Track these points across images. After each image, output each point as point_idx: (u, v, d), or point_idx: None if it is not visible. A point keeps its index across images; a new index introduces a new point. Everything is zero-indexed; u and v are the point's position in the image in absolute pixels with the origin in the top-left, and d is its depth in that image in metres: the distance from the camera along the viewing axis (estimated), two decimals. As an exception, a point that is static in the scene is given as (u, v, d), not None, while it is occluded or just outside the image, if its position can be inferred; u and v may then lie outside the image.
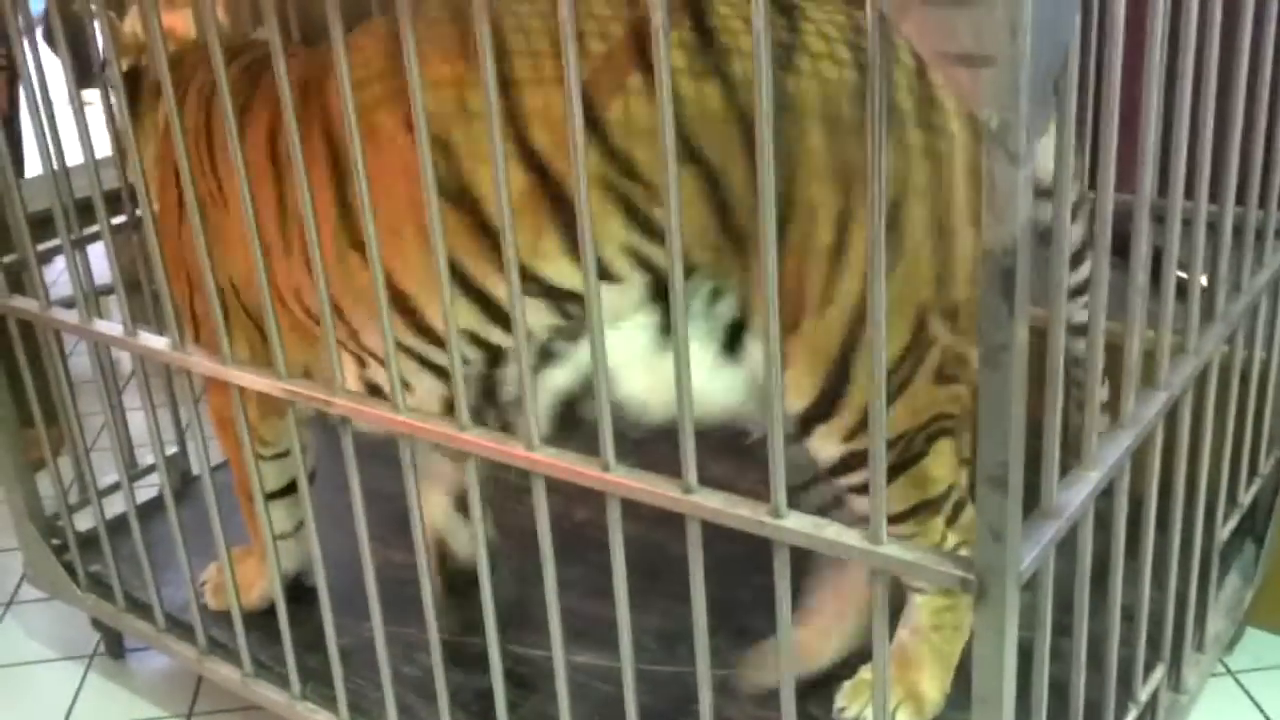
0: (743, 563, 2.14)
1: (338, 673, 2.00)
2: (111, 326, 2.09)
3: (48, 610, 2.76)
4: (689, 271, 1.57)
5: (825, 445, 1.71)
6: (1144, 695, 1.87)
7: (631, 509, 1.50)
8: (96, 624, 2.61)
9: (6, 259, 2.30)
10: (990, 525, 1.24)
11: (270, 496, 2.11)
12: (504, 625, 1.79)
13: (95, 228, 2.21)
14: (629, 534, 1.55)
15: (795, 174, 1.56)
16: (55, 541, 2.54)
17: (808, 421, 1.70)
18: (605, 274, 1.62)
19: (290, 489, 2.23)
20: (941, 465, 1.73)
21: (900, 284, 1.58)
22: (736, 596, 2.17)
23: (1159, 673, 1.91)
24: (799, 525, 1.38)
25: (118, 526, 2.41)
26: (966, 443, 1.76)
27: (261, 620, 2.15)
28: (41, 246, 2.29)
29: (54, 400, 2.37)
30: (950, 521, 1.76)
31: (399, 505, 1.76)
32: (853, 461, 1.71)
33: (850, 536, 1.35)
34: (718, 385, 1.72)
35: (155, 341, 2.00)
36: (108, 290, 2.52)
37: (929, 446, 1.71)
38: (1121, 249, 1.48)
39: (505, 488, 2.16)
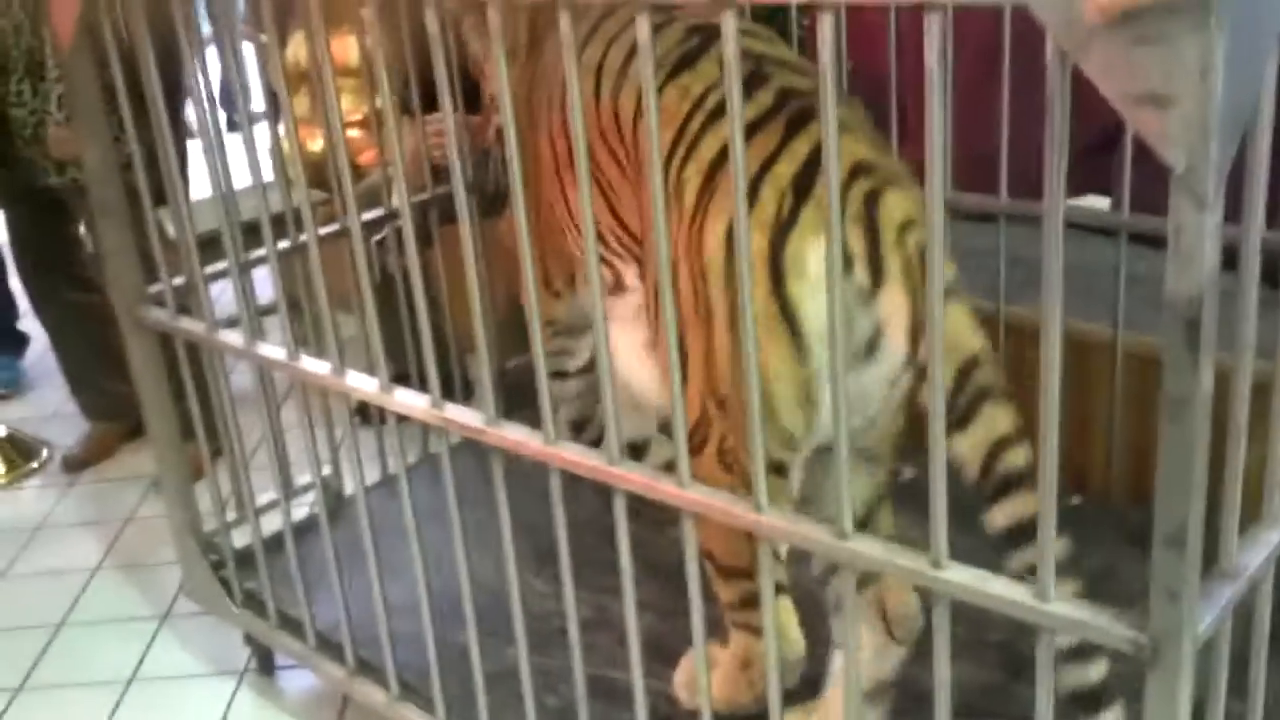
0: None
1: (481, 700, 2.00)
2: (274, 350, 2.13)
3: (202, 625, 2.83)
4: None
5: None
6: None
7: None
8: (249, 640, 2.67)
9: (176, 281, 2.36)
10: (1167, 586, 1.18)
11: None
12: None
13: (261, 251, 2.26)
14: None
15: None
16: (212, 557, 2.59)
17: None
18: None
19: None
20: None
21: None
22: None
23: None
24: (961, 578, 1.34)
25: (273, 544, 2.45)
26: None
27: (410, 643, 2.17)
28: (209, 269, 2.35)
29: (215, 417, 2.43)
30: None
31: (547, 535, 1.76)
32: None
33: (1017, 593, 1.30)
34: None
35: (316, 366, 2.03)
36: (269, 310, 2.59)
37: None
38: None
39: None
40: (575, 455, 1.69)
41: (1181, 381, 1.12)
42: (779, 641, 1.81)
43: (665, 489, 1.58)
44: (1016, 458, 1.61)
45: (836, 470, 1.39)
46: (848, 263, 1.62)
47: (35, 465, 3.83)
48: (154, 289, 2.40)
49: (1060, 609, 1.27)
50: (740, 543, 1.78)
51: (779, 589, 1.89)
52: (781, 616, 1.95)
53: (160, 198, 2.41)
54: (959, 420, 1.60)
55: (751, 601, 1.81)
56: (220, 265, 2.34)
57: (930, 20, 1.18)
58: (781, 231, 1.65)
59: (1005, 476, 1.60)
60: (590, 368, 2.55)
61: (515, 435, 1.75)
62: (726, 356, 1.72)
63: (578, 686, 1.83)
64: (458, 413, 1.83)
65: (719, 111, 1.74)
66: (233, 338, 2.23)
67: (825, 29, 1.26)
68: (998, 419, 1.60)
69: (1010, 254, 2.48)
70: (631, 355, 2.03)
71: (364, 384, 1.95)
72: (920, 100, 1.23)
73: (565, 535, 1.74)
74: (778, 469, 1.72)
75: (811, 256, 1.64)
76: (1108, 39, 1.06)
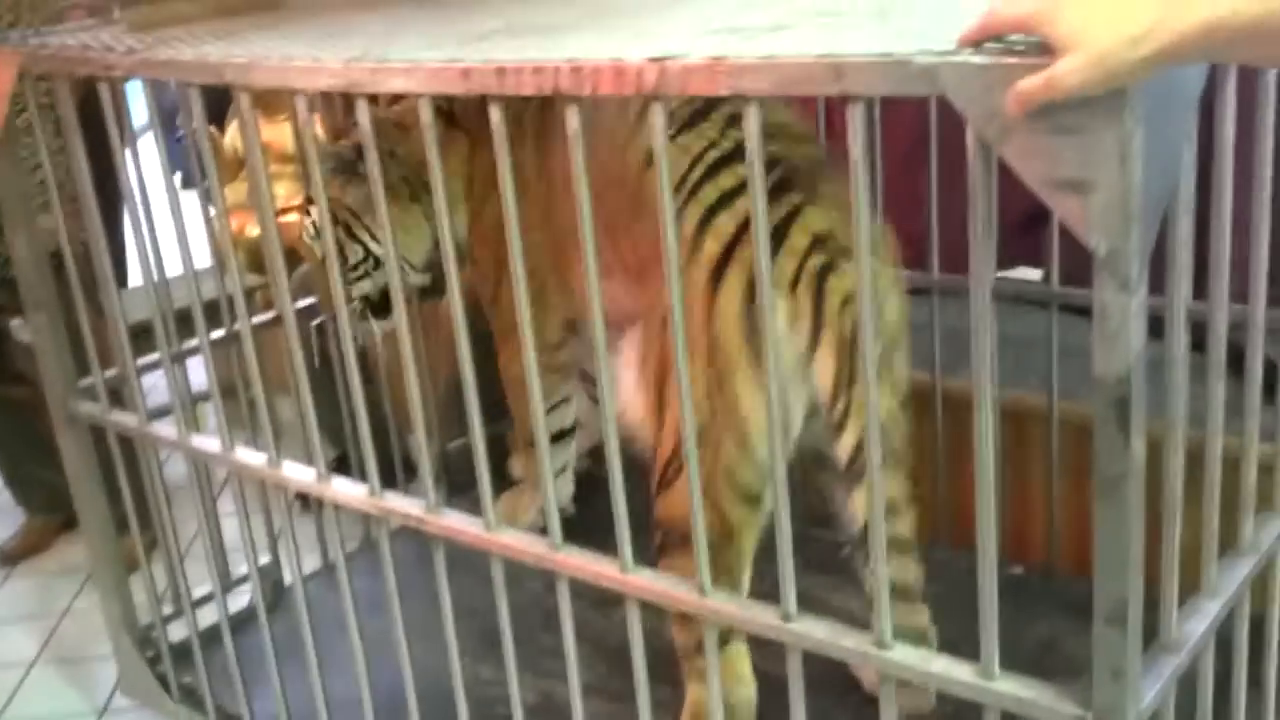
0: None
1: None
2: (209, 441, 2.10)
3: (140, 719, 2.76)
4: None
5: None
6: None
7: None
8: (188, 736, 2.61)
9: (107, 374, 2.33)
10: (1110, 665, 1.19)
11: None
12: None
13: (194, 341, 2.24)
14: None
15: None
16: (149, 652, 2.54)
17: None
18: None
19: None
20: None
21: None
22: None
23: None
24: (905, 658, 1.34)
25: (211, 637, 2.40)
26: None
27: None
28: (142, 360, 2.32)
29: (149, 508, 2.39)
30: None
31: (491, 619, 1.74)
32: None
33: (961, 671, 1.31)
34: None
35: (251, 456, 2.01)
36: (205, 398, 2.55)
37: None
38: (1234, 362, 1.44)
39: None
40: (516, 541, 1.69)
41: (1113, 461, 1.14)
42: (734, 686, 1.93)
43: (609, 574, 1.58)
44: (899, 525, 1.83)
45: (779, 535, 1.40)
46: (793, 323, 1.81)
47: (-33, 560, 3.74)
48: (85, 382, 2.37)
49: (1004, 686, 1.27)
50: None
51: (732, 635, 1.91)
52: (737, 664, 1.97)
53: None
54: (856, 477, 1.80)
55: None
56: (154, 356, 2.31)
57: (853, 111, 1.20)
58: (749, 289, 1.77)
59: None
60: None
61: (455, 523, 1.74)
62: (703, 391, 1.82)
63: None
64: (397, 501, 1.83)
65: (715, 168, 1.87)
66: (166, 429, 2.20)
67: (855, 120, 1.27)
68: (888, 484, 1.64)
69: (946, 328, 2.50)
70: (632, 391, 2.06)
71: (301, 474, 1.93)
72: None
73: (508, 622, 1.73)
74: (753, 500, 1.86)
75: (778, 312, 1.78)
76: (1027, 129, 1.08)
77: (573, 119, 1.40)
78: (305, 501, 2.94)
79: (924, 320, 2.51)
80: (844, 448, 1.83)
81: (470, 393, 1.64)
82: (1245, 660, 1.56)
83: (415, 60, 1.51)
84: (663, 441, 1.92)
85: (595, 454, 2.73)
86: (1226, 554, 1.48)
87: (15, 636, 3.29)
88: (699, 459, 1.59)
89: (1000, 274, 2.47)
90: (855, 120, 1.20)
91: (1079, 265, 1.28)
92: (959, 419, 2.40)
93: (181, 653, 2.48)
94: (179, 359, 2.31)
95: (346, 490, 1.87)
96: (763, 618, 1.45)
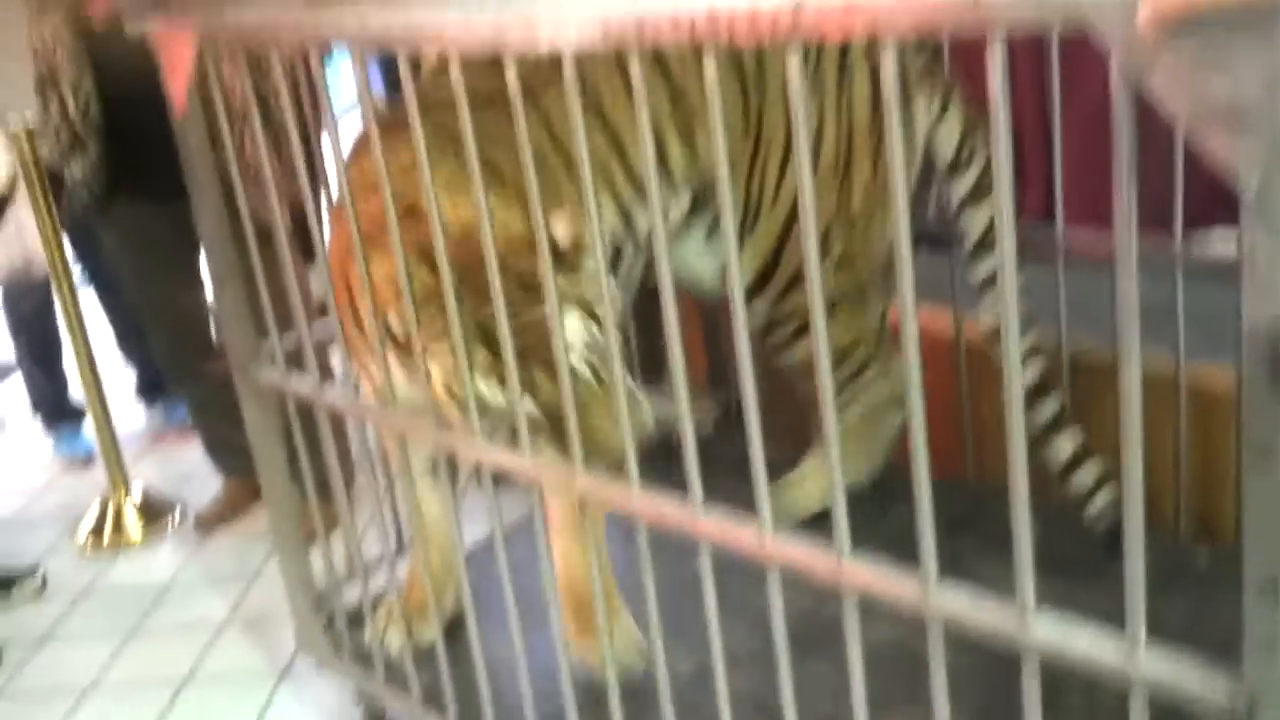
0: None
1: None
2: (385, 413, 2.14)
3: (320, 680, 2.86)
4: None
5: (757, 311, 2.54)
6: None
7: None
8: (360, 697, 2.68)
9: (286, 341, 2.40)
10: (1262, 636, 1.10)
11: None
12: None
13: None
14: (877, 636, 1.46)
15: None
16: (325, 614, 2.62)
17: (748, 293, 2.42)
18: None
19: None
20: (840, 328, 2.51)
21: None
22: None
23: None
24: (1049, 634, 1.27)
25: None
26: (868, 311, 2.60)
27: (511, 699, 2.15)
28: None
29: (330, 476, 2.45)
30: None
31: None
32: (776, 321, 2.59)
33: (1104, 647, 1.23)
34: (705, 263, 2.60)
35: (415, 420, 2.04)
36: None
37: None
38: None
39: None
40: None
41: (1264, 423, 1.05)
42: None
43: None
44: None
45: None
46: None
47: (169, 524, 3.94)
48: (269, 346, 2.44)
49: (1150, 663, 1.19)
50: None
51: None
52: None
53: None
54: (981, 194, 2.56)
55: None
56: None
57: (992, 48, 1.14)
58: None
59: None
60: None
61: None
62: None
63: None
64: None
65: None
66: (341, 397, 2.26)
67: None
68: None
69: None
70: None
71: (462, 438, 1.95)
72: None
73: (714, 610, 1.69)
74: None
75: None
76: (1171, 58, 1.01)
77: (710, 68, 1.37)
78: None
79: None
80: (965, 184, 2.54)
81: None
82: None
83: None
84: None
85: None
86: None
87: (209, 597, 3.46)
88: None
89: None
90: (994, 58, 1.14)
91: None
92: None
93: (355, 616, 2.56)
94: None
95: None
96: (900, 586, 1.39)
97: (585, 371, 1.89)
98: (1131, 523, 1.18)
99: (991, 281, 2.51)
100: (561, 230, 1.85)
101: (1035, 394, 2.47)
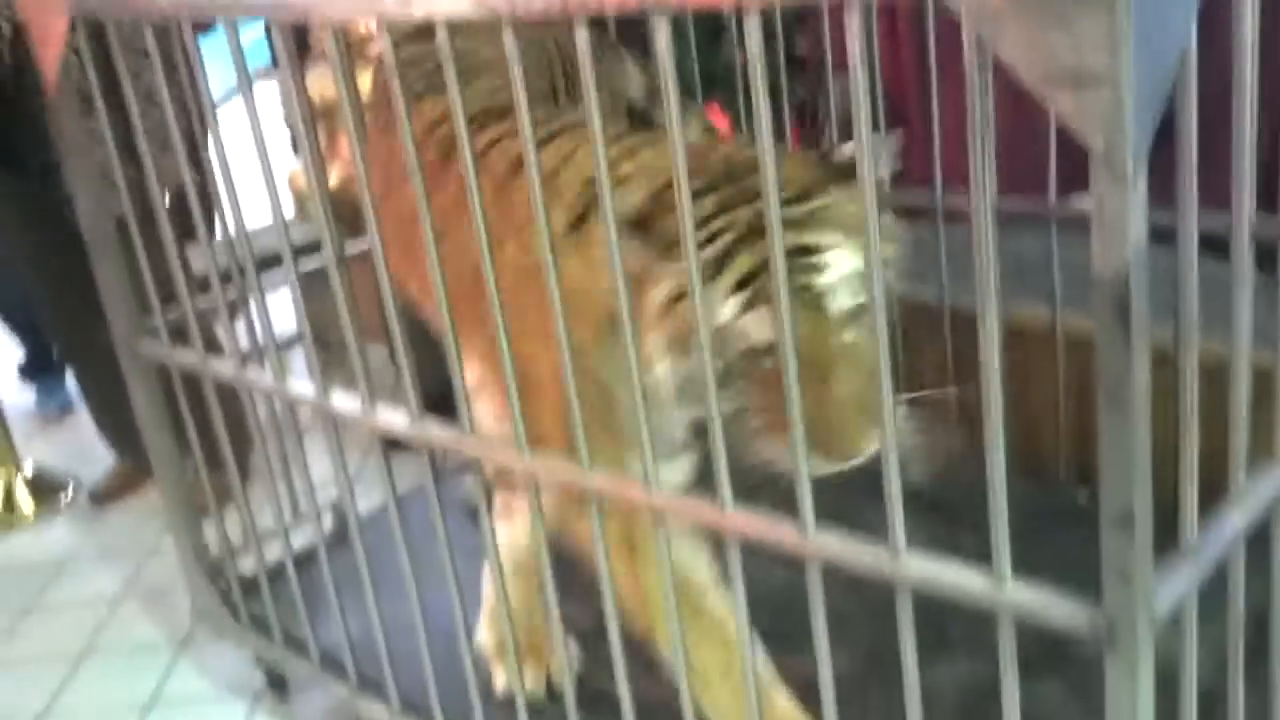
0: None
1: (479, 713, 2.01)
2: (264, 376, 2.15)
3: (219, 651, 2.85)
4: None
5: None
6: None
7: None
8: (261, 663, 2.69)
9: (171, 314, 2.38)
10: (1118, 568, 1.17)
11: None
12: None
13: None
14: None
15: None
16: (221, 584, 2.62)
17: None
18: None
19: None
20: None
21: None
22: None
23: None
24: (920, 569, 1.33)
25: (279, 569, 2.47)
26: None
27: (410, 661, 2.17)
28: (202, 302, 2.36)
29: (221, 449, 2.43)
30: None
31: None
32: None
33: (974, 580, 1.30)
34: None
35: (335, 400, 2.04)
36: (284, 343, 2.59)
37: None
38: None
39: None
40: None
41: (1115, 361, 1.11)
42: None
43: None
44: None
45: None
46: None
47: (62, 501, 3.88)
48: (151, 320, 2.42)
49: (1015, 594, 1.26)
50: None
51: None
52: None
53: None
54: None
55: None
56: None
57: (850, 15, 1.18)
58: None
59: None
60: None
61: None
62: None
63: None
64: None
65: None
66: (225, 366, 2.25)
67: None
68: None
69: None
70: None
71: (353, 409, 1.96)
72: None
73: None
74: None
75: None
76: (1018, 22, 1.06)
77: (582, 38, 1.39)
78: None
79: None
80: None
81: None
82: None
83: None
84: None
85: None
86: (1259, 463, 1.44)
87: (105, 572, 3.42)
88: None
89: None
90: (852, 23, 1.18)
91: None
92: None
93: (250, 585, 2.56)
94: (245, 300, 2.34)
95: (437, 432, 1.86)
96: (779, 532, 1.44)
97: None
98: (994, 466, 1.24)
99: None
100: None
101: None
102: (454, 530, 1.96)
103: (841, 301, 1.54)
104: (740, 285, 1.54)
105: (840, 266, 1.54)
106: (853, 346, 1.54)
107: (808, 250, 1.54)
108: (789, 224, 1.40)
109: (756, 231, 1.50)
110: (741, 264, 1.54)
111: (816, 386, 1.49)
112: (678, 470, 1.81)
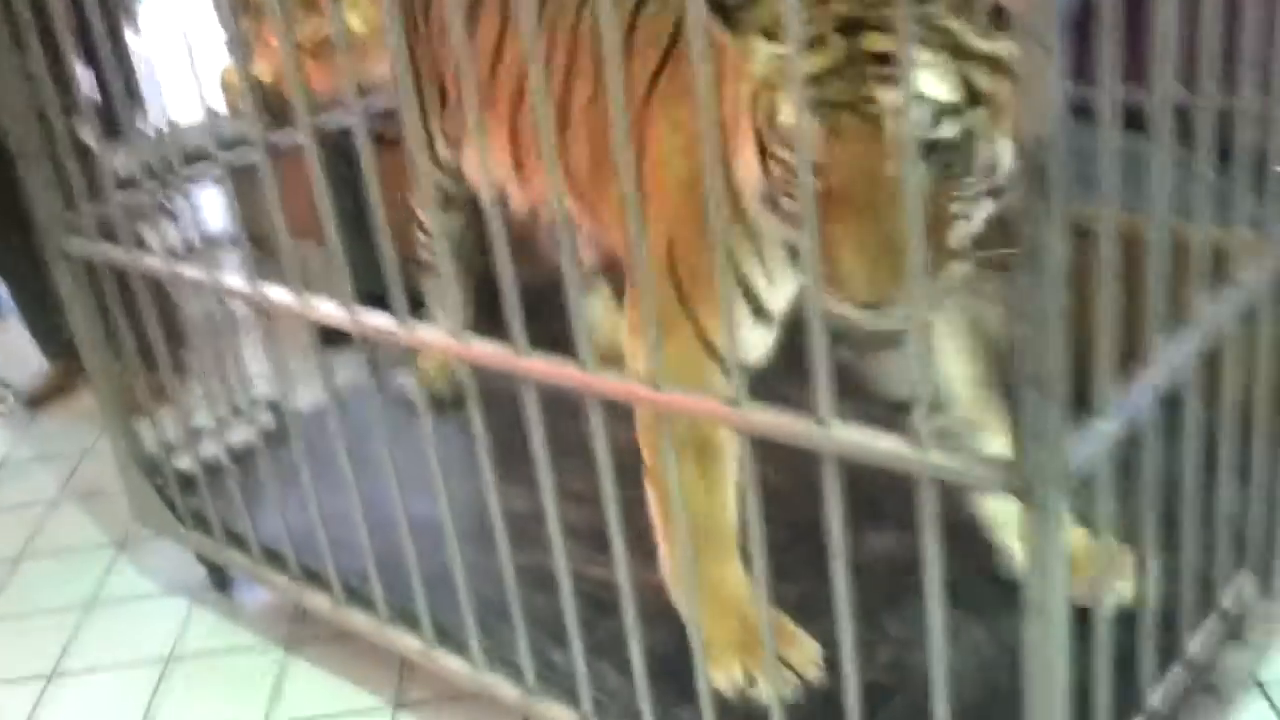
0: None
1: (421, 600, 2.04)
2: (199, 271, 2.13)
3: (159, 548, 2.85)
4: None
5: None
6: (1227, 601, 1.81)
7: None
8: (201, 559, 2.70)
9: (98, 208, 2.35)
10: (1032, 427, 1.21)
11: None
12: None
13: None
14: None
15: None
16: (158, 481, 2.62)
17: None
18: None
19: None
20: None
21: None
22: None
23: (1243, 578, 1.84)
24: (848, 436, 1.36)
25: (218, 467, 2.47)
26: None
27: (350, 549, 2.19)
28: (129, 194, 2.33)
29: (154, 345, 2.41)
30: None
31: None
32: None
33: (899, 446, 1.33)
34: None
35: (235, 282, 2.04)
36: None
37: None
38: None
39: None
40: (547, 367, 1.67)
41: (1035, 227, 1.14)
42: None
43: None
44: None
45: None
46: None
47: (-5, 406, 3.85)
48: (77, 217, 2.39)
49: (937, 458, 1.30)
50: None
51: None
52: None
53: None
54: None
55: None
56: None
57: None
58: None
59: None
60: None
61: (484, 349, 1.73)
62: None
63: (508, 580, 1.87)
64: (427, 332, 1.80)
65: None
66: (154, 261, 2.23)
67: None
68: None
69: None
70: None
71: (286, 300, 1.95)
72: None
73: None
74: None
75: None
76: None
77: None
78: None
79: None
80: None
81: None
82: (1198, 441, 1.58)
83: None
84: None
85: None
86: (1174, 327, 1.48)
87: (41, 475, 3.42)
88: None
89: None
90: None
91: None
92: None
93: (188, 481, 2.56)
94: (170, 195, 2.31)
95: (377, 322, 1.84)
96: (711, 404, 1.47)
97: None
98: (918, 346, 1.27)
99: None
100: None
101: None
102: (392, 425, 1.98)
103: (904, 127, 1.23)
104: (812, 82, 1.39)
105: (915, 87, 1.32)
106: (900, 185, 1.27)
107: (884, 59, 1.38)
108: (871, 25, 1.32)
109: (841, 30, 1.40)
110: (817, 60, 1.40)
111: (849, 217, 1.39)
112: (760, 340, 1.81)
